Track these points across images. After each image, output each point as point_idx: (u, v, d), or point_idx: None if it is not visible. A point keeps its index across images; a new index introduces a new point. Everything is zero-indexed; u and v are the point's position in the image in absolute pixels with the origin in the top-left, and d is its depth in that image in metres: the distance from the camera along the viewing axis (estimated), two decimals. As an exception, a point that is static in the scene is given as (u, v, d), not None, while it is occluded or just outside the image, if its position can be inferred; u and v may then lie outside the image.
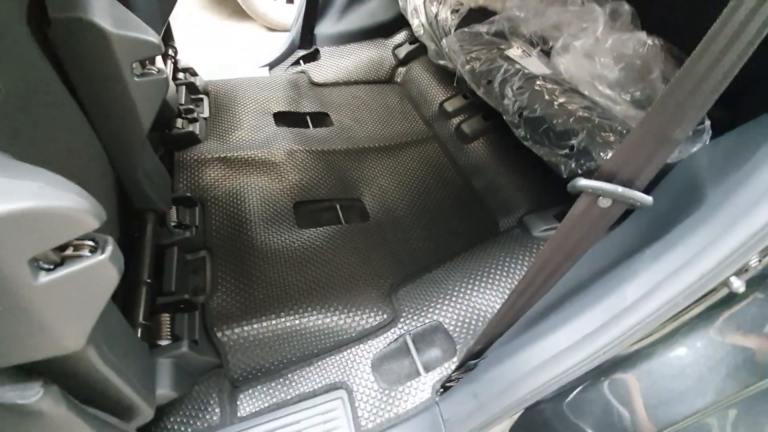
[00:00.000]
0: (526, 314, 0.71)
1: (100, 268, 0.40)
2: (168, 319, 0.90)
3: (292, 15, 3.25)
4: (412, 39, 1.87)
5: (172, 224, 1.07)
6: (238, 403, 0.90)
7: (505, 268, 1.07)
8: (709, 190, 0.61)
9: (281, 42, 2.09)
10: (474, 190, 1.37)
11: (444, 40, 1.29)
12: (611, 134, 0.89)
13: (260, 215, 1.20)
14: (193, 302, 0.94)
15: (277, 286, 1.05)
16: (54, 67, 0.67)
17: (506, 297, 1.03)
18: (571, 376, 0.62)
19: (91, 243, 0.40)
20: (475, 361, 0.79)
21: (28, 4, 0.63)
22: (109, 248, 0.41)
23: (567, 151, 0.94)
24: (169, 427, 0.85)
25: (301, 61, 1.96)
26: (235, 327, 0.95)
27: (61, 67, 0.69)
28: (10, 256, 0.33)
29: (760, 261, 0.51)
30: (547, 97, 1.01)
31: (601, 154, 0.89)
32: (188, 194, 1.17)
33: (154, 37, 0.73)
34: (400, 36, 1.91)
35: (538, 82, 1.05)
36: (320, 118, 1.66)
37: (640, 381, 0.65)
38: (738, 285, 0.50)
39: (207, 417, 0.87)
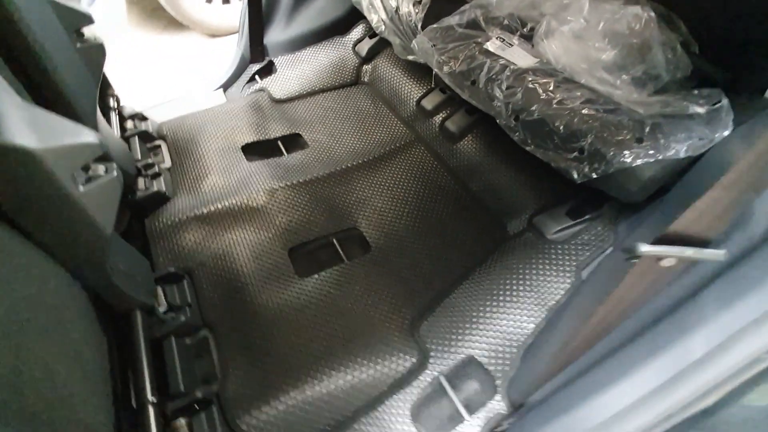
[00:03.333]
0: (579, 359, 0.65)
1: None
2: (185, 424, 0.81)
3: (232, 16, 3.02)
4: (372, 32, 1.72)
5: (162, 311, 0.96)
6: (282, 492, 0.84)
7: (526, 281, 1.01)
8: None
9: (224, 51, 1.91)
10: (473, 193, 1.29)
11: (414, 42, 1.17)
12: (623, 131, 0.81)
13: (255, 274, 1.10)
14: (208, 397, 0.86)
15: (292, 352, 0.97)
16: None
17: (534, 314, 0.98)
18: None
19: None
20: (525, 409, 0.74)
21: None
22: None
23: (576, 154, 0.86)
24: None
25: (256, 77, 1.80)
26: (258, 413, 0.88)
27: None
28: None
29: None
30: (543, 95, 0.92)
31: (617, 156, 0.81)
32: (171, 269, 1.05)
33: (92, 137, 0.61)
34: (358, 31, 1.76)
35: (529, 78, 0.96)
36: (293, 141, 1.54)
37: None
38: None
39: None
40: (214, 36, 3.09)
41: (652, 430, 0.55)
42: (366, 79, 1.73)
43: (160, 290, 1.01)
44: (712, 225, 0.42)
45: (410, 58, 1.42)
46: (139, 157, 1.34)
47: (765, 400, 0.56)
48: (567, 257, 1.00)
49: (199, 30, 3.06)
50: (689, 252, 0.43)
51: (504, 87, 0.98)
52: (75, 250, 0.67)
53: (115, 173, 0.66)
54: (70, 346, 0.65)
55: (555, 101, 0.89)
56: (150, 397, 0.77)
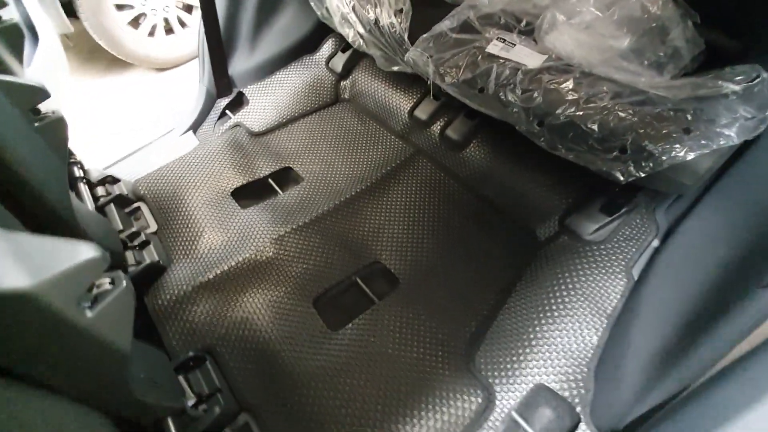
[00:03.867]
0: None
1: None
2: None
3: (178, 46, 2.83)
4: (344, 46, 1.62)
5: (191, 405, 0.85)
6: None
7: (576, 289, 0.95)
8: None
9: (178, 82, 1.75)
10: (490, 201, 1.22)
11: (407, 56, 1.08)
12: (666, 123, 0.76)
13: (284, 337, 0.99)
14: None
15: (347, 421, 0.87)
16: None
17: (593, 324, 0.92)
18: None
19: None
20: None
21: None
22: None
23: (617, 153, 0.80)
24: None
25: (227, 112, 1.66)
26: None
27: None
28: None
29: None
30: (567, 95, 0.85)
31: (667, 151, 0.76)
32: (190, 353, 0.93)
33: (91, 251, 0.49)
34: (328, 46, 1.65)
35: (545, 79, 0.89)
36: (284, 176, 1.42)
37: None
38: None
39: None
40: (161, 70, 2.89)
41: None
42: (346, 96, 1.63)
43: (183, 381, 0.89)
44: None
45: (395, 69, 1.33)
46: (121, 226, 1.19)
47: None
48: (613, 257, 0.95)
49: (145, 65, 2.86)
50: None
51: (519, 91, 0.91)
52: (93, 383, 0.56)
53: (123, 283, 0.54)
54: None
55: (582, 100, 0.83)
56: None
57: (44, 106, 0.85)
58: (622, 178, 0.81)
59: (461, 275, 1.11)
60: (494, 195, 1.22)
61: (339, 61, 1.61)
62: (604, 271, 0.94)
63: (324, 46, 1.65)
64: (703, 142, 0.72)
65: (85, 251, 0.49)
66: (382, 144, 1.45)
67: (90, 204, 1.18)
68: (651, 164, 0.77)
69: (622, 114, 0.79)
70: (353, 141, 1.48)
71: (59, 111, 0.86)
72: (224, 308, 1.04)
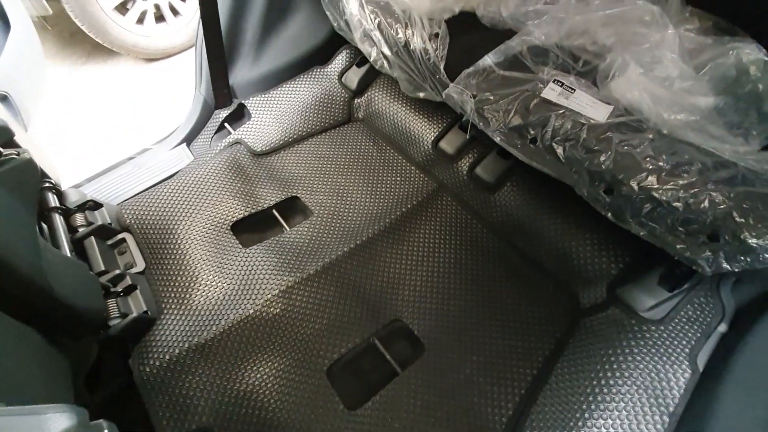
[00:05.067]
0: None
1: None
2: None
3: (168, 36, 2.60)
4: (360, 60, 1.46)
5: None
6: None
7: (632, 377, 0.83)
8: None
9: (169, 72, 1.56)
10: (526, 254, 1.10)
11: (446, 92, 0.94)
12: (758, 205, 0.64)
13: (294, 418, 0.85)
14: None
15: None
16: None
17: (651, 420, 0.81)
18: None
19: None
20: None
21: None
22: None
23: (704, 238, 0.68)
24: None
25: (226, 125, 1.49)
26: None
27: None
28: None
29: None
30: (643, 162, 0.72)
31: (756, 237, 0.64)
32: (193, 427, 0.79)
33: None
34: (341, 59, 1.49)
35: (616, 139, 0.76)
36: (291, 208, 1.27)
37: None
38: None
39: None
40: (150, 60, 2.66)
41: None
42: (360, 115, 1.48)
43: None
44: None
45: (421, 95, 1.18)
46: (102, 266, 1.03)
47: None
48: (675, 341, 0.84)
49: (132, 55, 2.63)
50: None
51: (582, 151, 0.78)
52: None
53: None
54: None
55: (664, 172, 0.70)
56: None
57: (8, 146, 0.68)
58: (708, 270, 0.69)
59: (493, 341, 0.98)
60: (530, 248, 1.09)
61: (354, 77, 1.45)
62: (664, 357, 0.83)
63: (337, 58, 1.49)
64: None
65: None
66: (401, 175, 1.30)
67: (65, 241, 1.00)
68: (749, 259, 0.65)
69: (714, 194, 0.67)
70: (368, 169, 1.33)
71: (26, 152, 0.70)
72: (224, 378, 0.89)
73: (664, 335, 0.85)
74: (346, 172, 1.33)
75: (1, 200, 0.63)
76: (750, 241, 0.63)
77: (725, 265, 0.67)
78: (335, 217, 1.21)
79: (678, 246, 0.71)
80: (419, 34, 1.01)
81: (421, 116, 1.33)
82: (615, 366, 0.85)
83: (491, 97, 0.88)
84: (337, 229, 1.18)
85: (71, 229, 1.08)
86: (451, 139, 1.25)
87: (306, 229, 1.18)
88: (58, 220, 1.05)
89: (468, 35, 1.02)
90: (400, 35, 1.05)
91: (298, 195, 1.27)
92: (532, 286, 1.05)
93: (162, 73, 2.58)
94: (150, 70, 2.62)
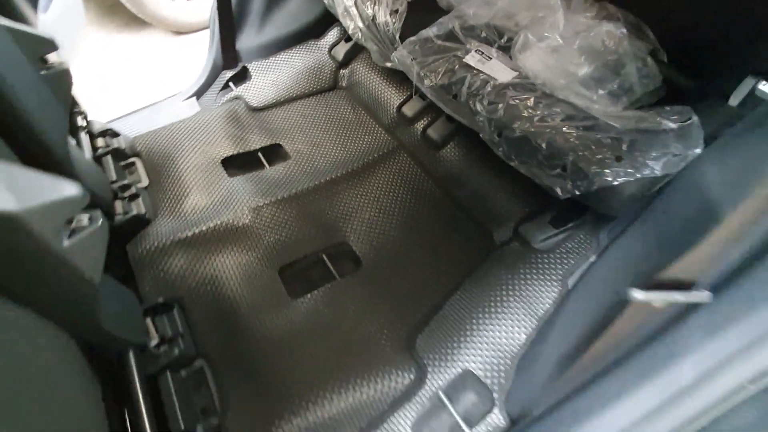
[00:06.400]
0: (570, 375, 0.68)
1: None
2: (189, 463, 0.82)
3: (197, 12, 2.89)
4: (347, 36, 1.69)
5: (154, 344, 0.95)
6: None
7: (516, 292, 1.04)
8: None
9: (193, 48, 1.83)
10: (459, 201, 1.31)
11: (393, 55, 1.16)
12: (603, 149, 0.84)
13: (247, 298, 1.09)
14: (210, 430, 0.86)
15: (291, 378, 0.98)
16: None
17: (525, 324, 1.02)
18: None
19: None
20: (524, 423, 0.77)
21: None
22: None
23: (559, 171, 0.89)
24: None
25: (231, 84, 1.74)
26: (261, 441, 0.89)
27: None
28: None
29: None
30: (524, 112, 0.93)
31: (599, 174, 0.84)
32: (160, 299, 1.03)
33: (74, 189, 0.58)
34: (333, 34, 1.73)
35: (510, 94, 0.97)
36: (274, 152, 1.51)
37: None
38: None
39: None
40: (178, 33, 2.96)
41: None
42: (344, 84, 1.71)
43: (150, 323, 0.99)
44: (700, 272, 0.45)
45: (388, 65, 1.40)
46: (114, 177, 1.29)
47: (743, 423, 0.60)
48: (553, 266, 1.04)
49: (163, 27, 2.92)
50: (678, 296, 0.46)
51: (486, 102, 0.99)
52: (64, 305, 0.65)
53: (99, 222, 0.64)
54: (64, 401, 0.64)
55: (537, 118, 0.91)
56: (150, 436, 0.76)
57: (53, 57, 0.94)
58: (560, 194, 0.89)
59: (419, 266, 1.20)
60: (463, 196, 1.30)
61: (341, 50, 1.69)
62: (543, 277, 1.03)
63: (329, 34, 1.73)
64: (629, 170, 0.80)
65: (69, 188, 0.58)
66: (369, 134, 1.53)
67: (88, 153, 1.27)
68: (585, 185, 0.85)
69: (567, 135, 0.87)
70: (343, 128, 1.56)
71: (66, 63, 0.95)
72: (197, 264, 1.14)
73: (547, 262, 1.05)
74: (324, 128, 1.56)
75: (41, 92, 0.88)
76: (585, 169, 0.84)
77: (570, 189, 0.87)
78: (308, 161, 1.45)
79: (543, 176, 0.92)
80: (383, 9, 1.24)
81: (390, 85, 1.55)
82: (504, 284, 1.06)
83: (428, 60, 1.10)
84: (308, 169, 1.42)
85: (93, 148, 1.35)
86: (412, 105, 1.47)
87: (282, 168, 1.42)
88: (84, 137, 1.31)
89: (424, 14, 1.24)
90: (369, 11, 1.27)
91: (281, 143, 1.51)
92: (459, 226, 1.26)
93: (187, 45, 2.87)
94: (178, 41, 2.92)
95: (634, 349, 0.62)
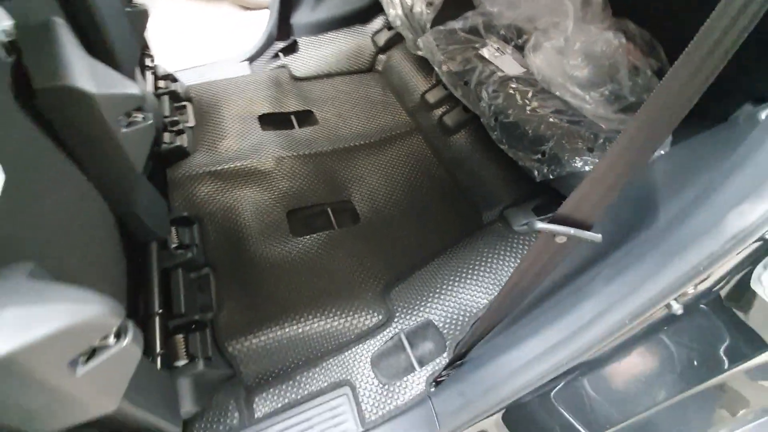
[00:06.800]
0: (503, 321, 0.79)
1: (126, 351, 0.47)
2: (182, 340, 0.98)
3: (266, -8, 3.15)
4: (389, 25, 1.84)
5: (174, 246, 1.13)
6: (254, 406, 1.01)
7: (488, 264, 1.15)
8: (663, 206, 0.68)
9: (256, 23, 2.05)
10: (459, 183, 1.43)
11: (420, 40, 1.30)
12: (579, 140, 0.94)
13: (255, 227, 1.26)
14: (203, 321, 1.03)
15: (279, 296, 1.13)
16: (46, 134, 0.71)
17: (489, 292, 1.12)
18: (543, 380, 0.71)
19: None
20: (462, 360, 0.89)
21: (11, 80, 0.66)
22: (130, 332, 0.48)
23: (539, 156, 0.99)
24: (195, 433, 0.96)
25: (280, 54, 1.94)
26: (243, 340, 1.04)
27: (52, 132, 0.72)
28: (54, 365, 0.40)
29: (695, 288, 0.58)
30: (520, 101, 1.04)
31: (570, 161, 0.94)
32: (185, 213, 1.22)
33: (135, 89, 0.76)
34: (378, 22, 1.88)
35: (512, 85, 1.08)
36: (305, 117, 1.68)
37: (609, 379, 0.74)
38: (677, 308, 0.58)
39: (228, 422, 0.98)
40: (246, 8, 3.23)
41: (553, 372, 0.70)
42: (380, 68, 1.86)
43: (173, 230, 1.17)
44: (591, 211, 0.55)
45: (419, 53, 1.54)
46: (167, 113, 1.50)
47: (642, 362, 0.70)
48: (526, 247, 1.14)
49: (235, 1, 3.20)
50: (572, 231, 0.56)
51: (490, 90, 1.11)
52: (111, 180, 0.83)
53: (150, 121, 0.81)
54: (98, 253, 0.82)
55: (529, 108, 1.02)
56: (157, 309, 0.94)
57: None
58: (537, 176, 1.00)
59: (410, 232, 1.33)
60: (463, 179, 1.42)
61: (382, 37, 1.84)
62: (514, 255, 1.14)
63: (375, 21, 1.89)
64: (597, 160, 0.89)
65: (132, 87, 0.76)
66: (392, 115, 1.67)
67: (150, 89, 1.49)
68: (558, 169, 0.95)
69: (552, 125, 0.97)
70: (370, 106, 1.71)
71: (146, 5, 1.16)
72: (220, 193, 1.32)
73: (521, 243, 1.15)
74: (353, 104, 1.72)
75: (124, 27, 1.08)
76: (560, 155, 0.94)
77: (545, 173, 0.97)
78: (332, 129, 1.61)
79: (525, 159, 1.02)
80: (421, 1, 1.38)
81: (419, 73, 1.69)
82: (482, 258, 1.17)
83: (449, 48, 1.23)
84: (330, 135, 1.58)
85: (155, 87, 1.57)
86: (435, 93, 1.60)
87: (309, 131, 1.59)
88: (150, 76, 1.53)
89: (456, 10, 1.37)
90: (409, 1, 1.42)
91: (312, 110, 1.68)
92: (454, 204, 1.38)
93: (250, 19, 3.13)
94: (244, 15, 3.18)
95: (547, 293, 0.73)
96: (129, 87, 0.74)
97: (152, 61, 1.60)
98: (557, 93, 1.05)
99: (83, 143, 0.75)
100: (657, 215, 0.68)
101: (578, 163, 0.92)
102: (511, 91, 1.07)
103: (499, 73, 1.12)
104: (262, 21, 3.01)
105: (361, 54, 1.87)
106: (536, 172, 1.00)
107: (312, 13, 1.91)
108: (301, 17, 1.92)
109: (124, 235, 0.98)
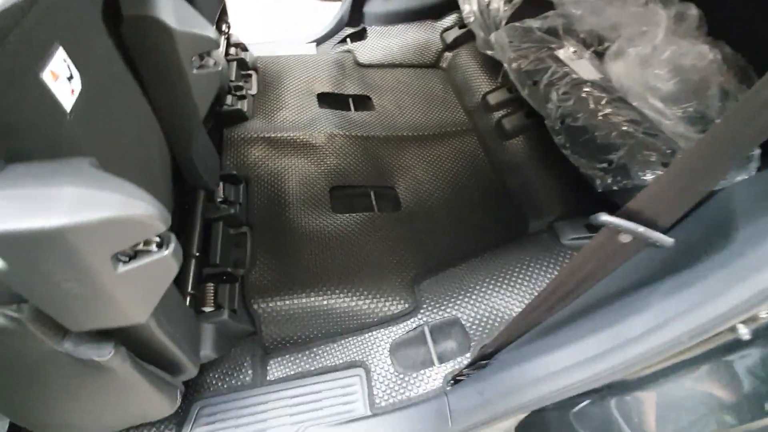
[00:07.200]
0: (538, 326, 0.74)
1: (164, 262, 0.48)
2: (212, 289, 1.00)
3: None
4: (462, 23, 1.82)
5: (219, 200, 1.16)
6: (268, 368, 1.00)
7: (529, 273, 1.09)
8: (739, 230, 0.61)
9: (329, 14, 2.10)
10: (507, 188, 1.37)
11: (492, 34, 1.26)
12: (653, 153, 0.87)
13: (298, 196, 1.27)
14: (234, 275, 1.04)
15: (310, 265, 1.13)
16: (125, 60, 0.74)
17: (525, 301, 1.06)
18: (572, 392, 0.65)
19: (157, 239, 0.48)
20: (487, 361, 0.84)
21: (104, 2, 0.69)
22: (172, 245, 0.48)
23: (605, 165, 0.93)
24: (208, 381, 0.97)
25: (348, 40, 1.96)
26: (269, 301, 1.05)
27: (130, 60, 0.76)
28: (98, 253, 0.41)
29: (768, 313, 0.51)
30: (592, 105, 0.99)
31: (639, 173, 0.87)
32: (234, 172, 1.25)
33: (213, 33, 0.78)
34: (450, 19, 1.87)
35: (585, 89, 1.03)
36: (363, 101, 1.69)
37: (644, 405, 0.67)
38: (744, 332, 0.51)
39: (241, 377, 0.98)
40: (324, 0, 3.32)
41: (586, 385, 0.64)
42: (444, 65, 1.84)
43: (221, 185, 1.20)
44: (665, 212, 0.50)
45: (489, 53, 1.51)
46: (233, 78, 1.55)
47: (694, 389, 0.62)
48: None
49: (313, -10, 3.30)
50: (641, 229, 0.51)
51: (560, 92, 1.06)
52: (175, 118, 0.86)
53: (219, 68, 0.84)
54: (150, 181, 0.84)
55: (601, 114, 0.96)
56: (194, 251, 0.96)
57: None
58: (599, 185, 0.93)
59: (450, 228, 1.29)
60: (512, 185, 1.36)
61: (452, 35, 1.82)
62: (556, 266, 1.07)
63: (447, 18, 1.87)
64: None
65: (211, 31, 0.78)
66: (450, 112, 1.65)
67: (222, 53, 1.55)
68: (624, 181, 0.88)
69: (624, 134, 0.91)
70: (429, 100, 1.69)
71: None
72: (269, 159, 1.34)
73: (568, 257, 1.09)
74: (412, 96, 1.71)
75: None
76: (628, 166, 0.87)
77: (609, 183, 0.91)
78: (388, 116, 1.60)
79: (587, 167, 0.96)
80: (500, -2, 1.35)
81: (484, 74, 1.65)
82: (524, 267, 1.11)
83: (522, 46, 1.19)
84: (385, 122, 1.57)
85: (226, 53, 1.64)
86: (497, 95, 1.55)
87: (364, 115, 1.59)
88: (222, 41, 1.60)
89: (534, 11, 1.33)
90: (487, -4, 1.39)
91: (371, 96, 1.69)
92: (500, 208, 1.33)
93: (327, 9, 3.21)
94: (319, 4, 3.27)
95: (592, 301, 0.67)
96: (207, 29, 0.77)
97: (228, 28, 1.66)
98: (635, 104, 0.98)
99: (156, 76, 0.78)
100: (731, 240, 0.61)
101: (648, 177, 0.85)
102: (584, 95, 1.01)
103: (573, 75, 1.07)
104: (332, 12, 3.08)
105: (428, 49, 1.86)
106: (599, 181, 0.93)
107: (386, 3, 1.92)
108: (374, 6, 1.94)
109: (176, 177, 1.01)
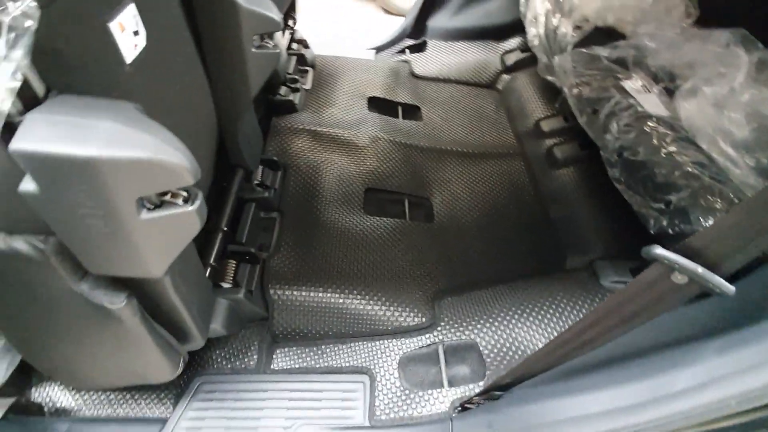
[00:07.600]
0: (564, 364, 0.68)
1: (188, 217, 0.47)
2: (233, 266, 1.00)
3: (410, 1, 3.29)
4: (524, 47, 1.79)
5: (255, 182, 1.17)
6: (274, 357, 0.98)
7: (560, 310, 1.02)
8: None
9: (393, 28, 2.14)
10: (549, 218, 1.30)
11: (557, 57, 1.22)
12: (719, 200, 0.79)
13: (333, 192, 1.26)
14: (257, 257, 1.04)
15: (333, 262, 1.11)
16: (189, 29, 0.77)
17: (548, 335, 0.99)
18: (595, 443, 0.58)
19: (185, 194, 0.48)
20: (501, 393, 0.78)
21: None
22: (198, 202, 0.48)
23: (662, 206, 0.85)
24: (213, 358, 0.96)
25: (407, 50, 1.98)
26: (286, 289, 1.03)
27: (195, 29, 0.78)
28: (125, 192, 0.41)
29: None
30: (655, 141, 0.92)
31: (701, 219, 0.80)
32: (275, 158, 1.26)
33: (277, 15, 0.80)
34: (513, 42, 1.84)
35: (649, 123, 0.96)
36: (411, 111, 1.68)
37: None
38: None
39: (245, 360, 0.96)
40: (388, 12, 3.39)
41: None
42: (500, 87, 1.81)
43: (260, 168, 1.22)
44: (731, 253, 0.43)
45: (549, 78, 1.46)
46: (290, 71, 1.59)
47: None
48: (609, 304, 0.99)
49: (379, 3, 3.39)
50: (701, 270, 0.45)
51: (622, 123, 0.99)
52: (227, 93, 0.88)
53: (278, 50, 0.85)
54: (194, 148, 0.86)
55: (664, 151, 0.89)
56: (223, 226, 0.96)
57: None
58: (652, 227, 0.86)
59: (481, 249, 1.24)
60: (555, 216, 1.29)
61: (512, 57, 1.79)
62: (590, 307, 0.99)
63: (509, 41, 1.85)
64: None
65: (275, 13, 0.79)
66: (499, 133, 1.60)
67: (284, 45, 1.60)
68: (682, 226, 0.80)
69: (689, 175, 0.83)
70: (479, 119, 1.66)
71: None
72: (311, 152, 1.35)
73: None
74: (463, 113, 1.68)
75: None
76: (689, 210, 0.80)
77: (664, 225, 0.83)
78: (435, 128, 1.58)
79: (642, 205, 0.89)
80: (569, 23, 1.31)
81: (540, 100, 1.60)
82: (558, 303, 1.03)
83: (586, 72, 1.14)
84: (431, 133, 1.55)
85: (288, 47, 1.69)
86: (551, 122, 1.50)
87: (411, 124, 1.58)
88: (287, 35, 1.65)
89: (606, 38, 1.28)
90: (555, 21, 1.36)
91: (421, 107, 1.68)
92: (538, 239, 1.26)
93: (389, 22, 3.28)
94: (384, 18, 3.35)
95: (630, 347, 0.60)
96: (272, 11, 0.78)
97: (294, 23, 1.72)
98: (703, 146, 0.91)
99: (216, 48, 0.80)
100: None
101: (710, 224, 0.77)
102: (648, 129, 0.94)
103: (639, 108, 1.00)
104: (395, 25, 3.13)
105: (486, 69, 1.83)
106: (653, 222, 0.86)
107: (450, 19, 1.93)
108: (438, 21, 1.94)
109: (219, 153, 1.03)
